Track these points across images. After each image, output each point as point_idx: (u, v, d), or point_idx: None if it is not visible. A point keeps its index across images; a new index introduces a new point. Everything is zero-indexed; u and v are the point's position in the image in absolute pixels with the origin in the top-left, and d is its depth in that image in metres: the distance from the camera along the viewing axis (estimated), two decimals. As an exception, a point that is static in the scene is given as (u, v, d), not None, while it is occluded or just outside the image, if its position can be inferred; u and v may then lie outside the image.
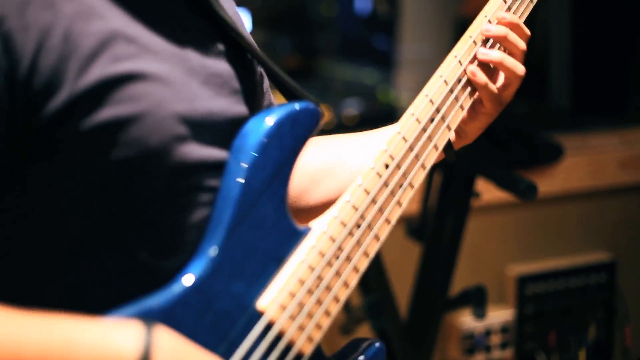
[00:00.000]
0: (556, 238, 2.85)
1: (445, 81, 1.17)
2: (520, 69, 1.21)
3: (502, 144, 2.60)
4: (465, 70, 1.19)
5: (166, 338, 0.90)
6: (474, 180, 2.33)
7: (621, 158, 2.88)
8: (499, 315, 2.67)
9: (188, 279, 0.99)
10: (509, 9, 1.24)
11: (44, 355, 0.86)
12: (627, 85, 3.11)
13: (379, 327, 2.23)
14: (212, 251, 1.00)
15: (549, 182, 2.74)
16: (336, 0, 3.79)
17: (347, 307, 2.27)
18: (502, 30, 1.21)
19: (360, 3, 3.81)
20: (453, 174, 2.31)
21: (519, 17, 1.25)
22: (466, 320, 2.61)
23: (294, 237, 1.05)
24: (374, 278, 2.24)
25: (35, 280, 1.00)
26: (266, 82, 1.22)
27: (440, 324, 2.38)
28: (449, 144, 1.25)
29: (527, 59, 1.25)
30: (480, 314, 2.32)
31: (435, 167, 2.36)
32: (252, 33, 1.26)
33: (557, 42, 3.12)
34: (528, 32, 1.24)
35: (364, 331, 2.32)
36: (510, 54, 1.22)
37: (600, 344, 2.79)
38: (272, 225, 1.04)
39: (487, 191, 2.44)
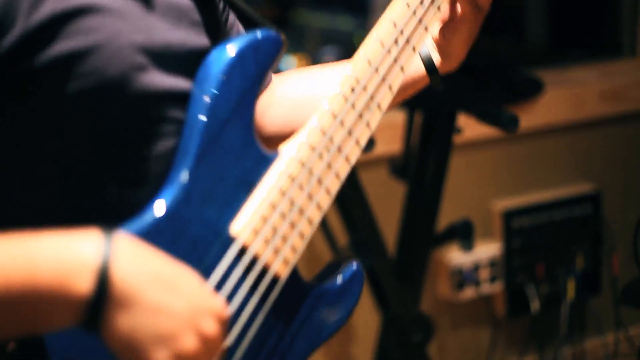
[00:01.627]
0: (540, 172, 2.87)
1: (407, 4, 1.17)
2: None
3: (481, 82, 2.60)
4: None
5: (126, 243, 0.90)
6: (455, 116, 2.34)
7: (601, 90, 2.89)
8: (487, 249, 2.70)
9: (160, 206, 1.00)
10: None
11: (5, 269, 0.86)
12: (604, 18, 3.11)
13: (368, 265, 2.25)
14: (183, 177, 1.02)
15: (530, 117, 2.75)
16: (308, -52, 3.76)
17: (334, 246, 2.29)
18: None
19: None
20: (434, 110, 2.32)
21: None
22: (454, 256, 2.64)
23: (263, 163, 1.07)
24: (360, 217, 2.26)
25: (4, 217, 1.01)
26: (232, 16, 1.23)
27: (428, 260, 2.41)
28: (434, 69, 1.25)
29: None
30: (468, 246, 2.34)
31: (415, 105, 2.38)
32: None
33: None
34: None
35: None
36: None
37: (588, 274, 2.82)
38: (241, 151, 1.05)
39: (470, 127, 2.46)
